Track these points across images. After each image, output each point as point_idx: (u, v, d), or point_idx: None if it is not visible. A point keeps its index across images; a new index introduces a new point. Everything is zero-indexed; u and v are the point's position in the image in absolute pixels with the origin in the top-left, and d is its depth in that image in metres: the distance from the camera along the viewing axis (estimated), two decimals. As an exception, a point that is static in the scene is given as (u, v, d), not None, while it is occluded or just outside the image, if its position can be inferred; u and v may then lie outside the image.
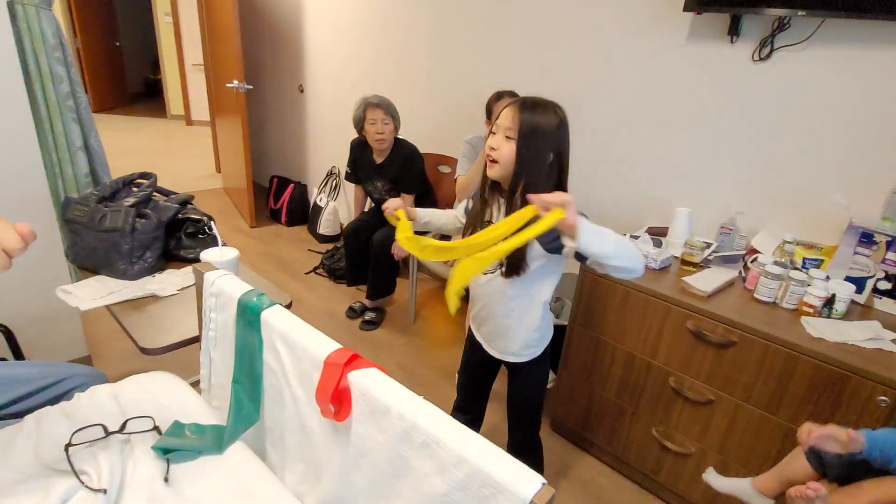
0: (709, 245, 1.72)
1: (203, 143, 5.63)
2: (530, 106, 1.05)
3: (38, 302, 1.66)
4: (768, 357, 1.30)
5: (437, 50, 2.66)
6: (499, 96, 1.96)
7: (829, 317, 1.34)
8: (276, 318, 0.89)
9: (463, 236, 1.17)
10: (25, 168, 1.57)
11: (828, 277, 1.39)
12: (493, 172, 1.09)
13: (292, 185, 3.80)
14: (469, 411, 1.44)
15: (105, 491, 0.76)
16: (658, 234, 1.82)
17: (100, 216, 1.32)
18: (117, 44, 7.35)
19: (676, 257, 1.70)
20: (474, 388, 1.43)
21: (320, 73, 3.52)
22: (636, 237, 1.72)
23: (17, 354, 1.29)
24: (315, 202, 3.58)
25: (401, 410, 0.70)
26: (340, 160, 3.52)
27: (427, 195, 2.55)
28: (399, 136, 2.42)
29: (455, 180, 2.07)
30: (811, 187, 1.60)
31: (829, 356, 1.19)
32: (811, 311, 1.35)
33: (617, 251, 0.92)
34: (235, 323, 0.95)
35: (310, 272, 3.04)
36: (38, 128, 1.58)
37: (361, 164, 2.49)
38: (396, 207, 1.12)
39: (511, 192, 1.08)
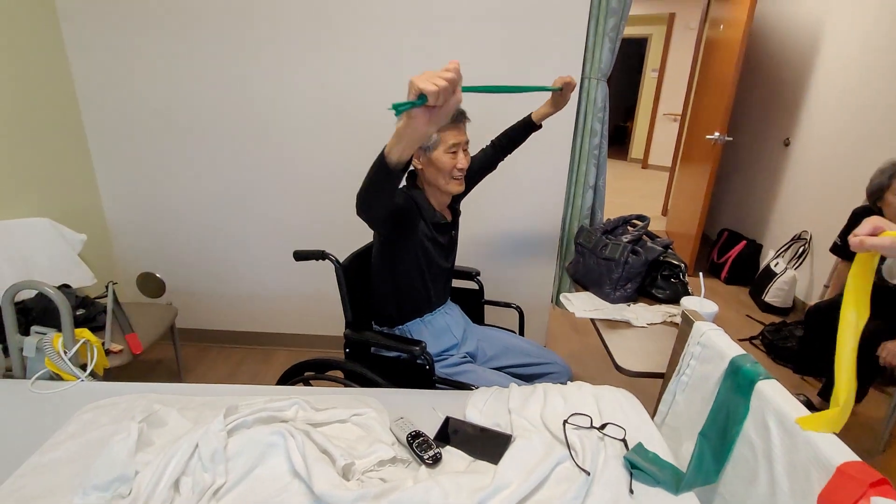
0: None
1: (655, 186, 5.93)
2: None
3: (533, 293, 2.20)
4: None
5: None
6: None
7: None
8: (773, 394, 0.84)
9: None
10: (553, 199, 2.10)
11: None
12: None
13: (745, 241, 3.49)
14: None
15: (588, 473, 0.92)
16: None
17: (602, 245, 1.60)
18: (605, 97, 8.67)
19: None
20: None
21: (816, 126, 3.05)
22: None
23: (521, 329, 1.73)
24: (768, 266, 3.16)
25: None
26: (815, 224, 2.98)
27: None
28: (939, 212, 1.81)
29: None
30: None
31: None
32: None
33: None
34: (721, 380, 0.96)
35: (746, 339, 2.73)
36: (570, 170, 2.04)
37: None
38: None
39: None
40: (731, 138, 3.26)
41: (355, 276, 1.43)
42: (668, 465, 0.99)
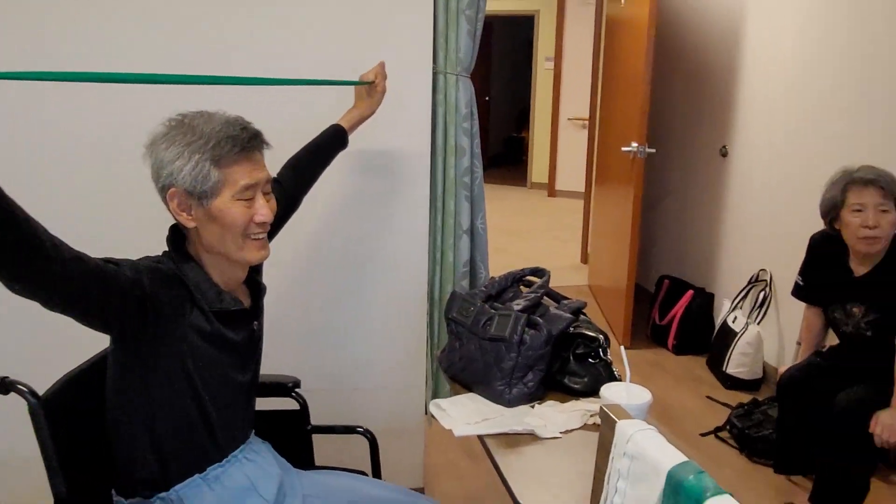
0: None
1: (568, 222, 6.45)
2: None
3: (393, 406, 2.18)
4: None
5: None
6: None
7: None
8: (728, 519, 0.91)
9: None
10: (412, 253, 2.16)
11: None
12: None
13: (691, 291, 3.91)
14: None
15: None
16: None
17: (485, 319, 1.65)
18: (486, 98, 9.39)
19: None
20: None
21: (755, 131, 3.61)
22: None
23: (376, 467, 1.69)
24: (725, 322, 3.56)
25: None
26: (775, 261, 3.45)
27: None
28: (905, 235, 2.22)
29: None
30: None
31: None
32: None
33: None
34: (660, 502, 1.01)
35: (708, 434, 3.00)
36: (432, 203, 2.14)
37: (827, 273, 2.37)
38: None
39: None
40: (653, 150, 3.70)
41: (73, 415, 1.29)
42: None
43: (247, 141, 1.24)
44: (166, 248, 1.32)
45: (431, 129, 2.10)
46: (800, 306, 2.63)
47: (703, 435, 3.00)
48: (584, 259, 5.45)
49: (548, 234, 6.41)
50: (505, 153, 10.32)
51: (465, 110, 2.10)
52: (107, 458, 1.31)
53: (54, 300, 1.02)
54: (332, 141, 1.76)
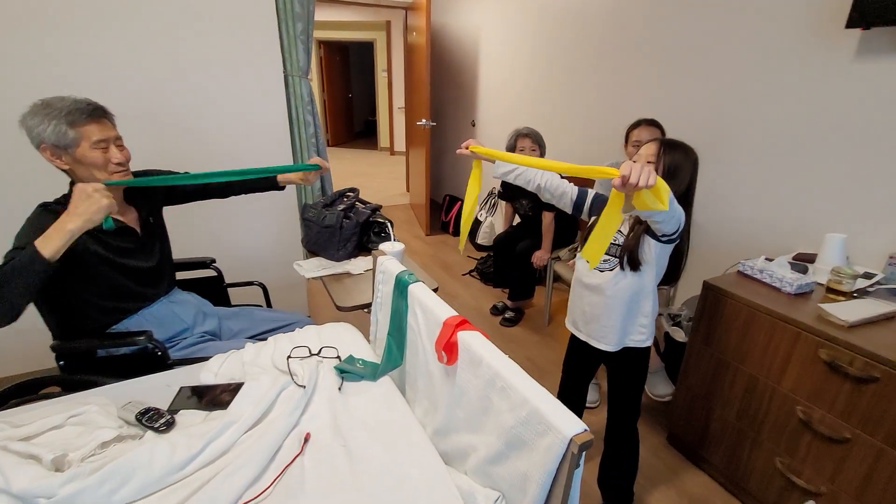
0: (870, 276, 1.46)
1: (400, 169, 6.48)
2: (671, 145, 1.16)
3: (283, 271, 2.22)
4: (918, 399, 1.07)
5: (585, 87, 2.71)
6: (637, 124, 1.95)
7: None
8: (418, 290, 1.12)
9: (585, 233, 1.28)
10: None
11: None
12: None
13: (460, 201, 4.16)
14: (570, 400, 1.49)
15: (304, 387, 1.06)
16: (807, 260, 1.61)
17: (323, 216, 1.74)
18: (349, 95, 8.93)
19: (821, 284, 1.47)
20: (575, 379, 1.48)
21: (489, 109, 3.82)
22: (770, 260, 1.55)
23: (268, 303, 1.77)
24: (477, 217, 3.87)
25: (490, 362, 0.84)
26: (497, 182, 3.75)
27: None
28: (546, 161, 2.52)
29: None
30: None
31: None
32: None
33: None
34: (392, 292, 1.20)
35: (466, 273, 3.31)
36: (294, 157, 2.12)
37: (511, 186, 2.64)
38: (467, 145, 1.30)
39: None
40: (434, 123, 3.81)
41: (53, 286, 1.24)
42: (371, 364, 1.21)
43: (92, 110, 1.15)
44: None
45: (287, 109, 2.06)
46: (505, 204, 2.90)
47: (464, 274, 3.31)
48: (408, 189, 5.57)
49: (388, 176, 6.41)
50: (365, 130, 9.94)
51: (306, 98, 2.07)
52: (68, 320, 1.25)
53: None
54: (266, 185, 1.56)
